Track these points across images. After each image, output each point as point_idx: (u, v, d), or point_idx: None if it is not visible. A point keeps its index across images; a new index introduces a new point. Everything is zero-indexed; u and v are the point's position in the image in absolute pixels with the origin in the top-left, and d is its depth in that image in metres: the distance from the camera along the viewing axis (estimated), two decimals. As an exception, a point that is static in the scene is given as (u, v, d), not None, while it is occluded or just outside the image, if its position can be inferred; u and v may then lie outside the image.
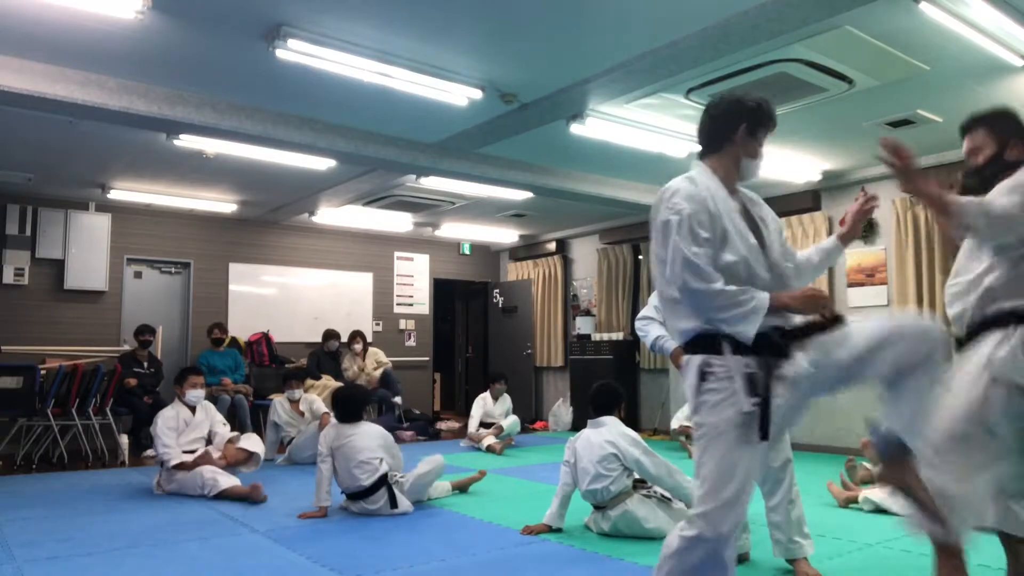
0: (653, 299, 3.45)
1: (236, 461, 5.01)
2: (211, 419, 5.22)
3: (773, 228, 2.13)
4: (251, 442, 5.25)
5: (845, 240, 2.42)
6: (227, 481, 4.75)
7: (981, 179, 2.28)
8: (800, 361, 1.92)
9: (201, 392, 5.25)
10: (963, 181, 2.35)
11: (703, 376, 1.92)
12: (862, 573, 3.13)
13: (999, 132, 2.29)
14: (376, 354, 8.63)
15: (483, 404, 7.61)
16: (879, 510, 4.23)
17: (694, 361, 1.96)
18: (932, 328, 1.92)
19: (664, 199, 1.99)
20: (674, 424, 7.02)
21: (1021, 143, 2.27)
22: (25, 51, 4.08)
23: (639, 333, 3.47)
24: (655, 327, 3.41)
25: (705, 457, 1.91)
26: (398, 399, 8.30)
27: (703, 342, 1.95)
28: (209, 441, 5.16)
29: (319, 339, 8.47)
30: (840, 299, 6.92)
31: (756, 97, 2.11)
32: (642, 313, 3.49)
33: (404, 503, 4.28)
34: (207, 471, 4.79)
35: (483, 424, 7.48)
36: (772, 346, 1.90)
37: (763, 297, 1.89)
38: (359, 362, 8.47)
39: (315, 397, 6.70)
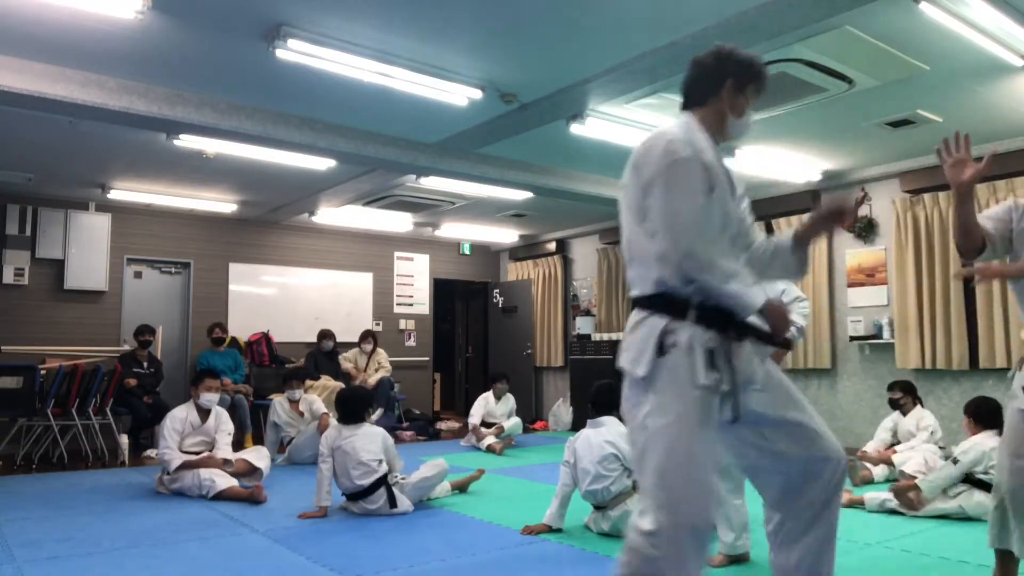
0: None
1: (240, 472, 4.99)
2: (218, 428, 5.13)
3: (740, 194, 2.02)
4: (258, 455, 5.21)
5: (802, 240, 2.03)
6: (225, 482, 4.75)
7: None
8: (755, 367, 1.86)
9: (215, 396, 5.19)
10: None
11: (662, 345, 1.78)
12: (862, 573, 3.13)
13: None
14: (380, 356, 8.62)
15: (485, 404, 7.61)
16: (880, 510, 4.23)
17: (653, 324, 1.81)
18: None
19: (660, 143, 1.83)
20: None
21: None
22: (25, 51, 4.08)
23: None
24: None
25: (660, 442, 1.75)
26: (376, 414, 7.29)
27: (666, 302, 1.81)
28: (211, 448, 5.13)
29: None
30: (840, 299, 6.92)
31: (748, 52, 2.01)
32: None
33: (404, 503, 4.28)
34: (204, 472, 4.78)
35: (484, 424, 7.48)
36: (738, 327, 1.81)
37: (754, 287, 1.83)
38: (359, 362, 8.47)
39: (315, 397, 6.70)
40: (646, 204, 1.83)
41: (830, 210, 1.98)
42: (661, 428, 1.75)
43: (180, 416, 5.05)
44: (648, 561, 1.71)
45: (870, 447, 5.36)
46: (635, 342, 1.84)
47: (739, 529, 3.18)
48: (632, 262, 1.92)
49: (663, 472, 1.74)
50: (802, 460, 1.91)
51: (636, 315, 1.88)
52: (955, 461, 4.04)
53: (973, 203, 2.32)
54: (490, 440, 7.14)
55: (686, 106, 2.02)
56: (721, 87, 1.96)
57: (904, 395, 5.27)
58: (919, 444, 4.98)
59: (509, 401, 7.75)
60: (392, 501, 4.21)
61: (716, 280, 1.77)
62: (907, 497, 4.11)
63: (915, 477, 4.28)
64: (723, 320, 1.81)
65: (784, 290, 3.13)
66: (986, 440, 4.01)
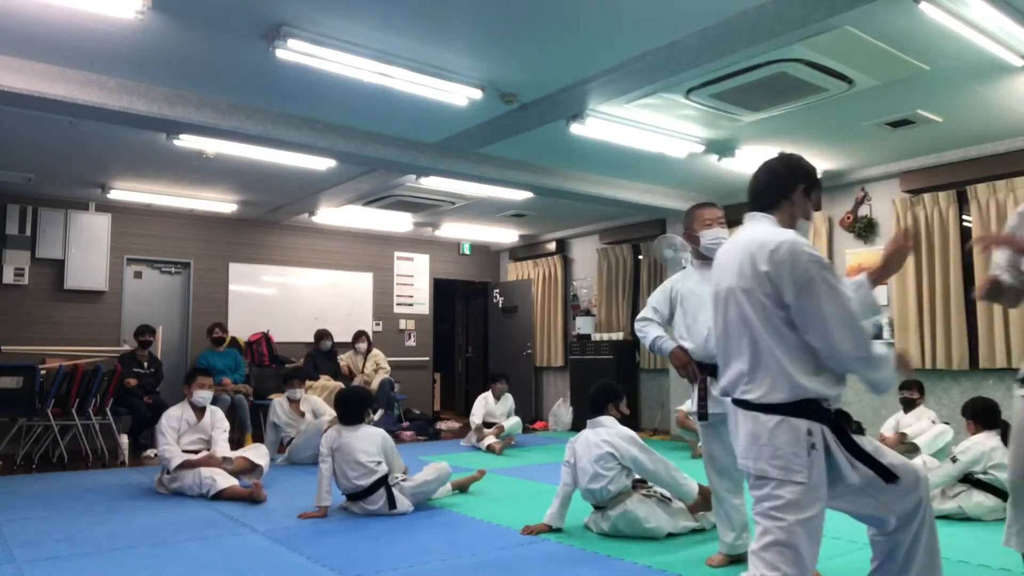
0: (652, 300, 3.47)
1: (240, 470, 5.00)
2: (214, 425, 5.17)
3: None
4: (257, 453, 5.22)
5: (876, 280, 2.25)
6: (225, 481, 4.75)
7: None
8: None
9: (209, 393, 5.24)
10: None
11: (811, 445, 1.94)
12: (862, 573, 3.12)
13: None
14: (377, 357, 8.62)
15: (485, 403, 7.61)
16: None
17: (797, 425, 1.95)
18: None
19: (799, 250, 1.96)
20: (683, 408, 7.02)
21: None
22: (25, 51, 4.08)
23: (638, 334, 3.48)
24: (653, 328, 3.41)
25: (802, 534, 1.91)
26: (377, 415, 7.53)
27: (809, 407, 1.96)
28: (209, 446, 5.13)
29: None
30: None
31: (809, 162, 2.19)
32: (641, 314, 3.50)
33: (403, 503, 4.28)
34: (205, 471, 4.79)
35: (484, 424, 7.48)
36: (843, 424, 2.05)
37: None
38: (355, 363, 8.47)
39: (316, 398, 6.71)
40: (800, 307, 1.94)
41: (895, 250, 2.20)
42: (804, 520, 1.91)
43: (176, 415, 5.08)
44: None
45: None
46: (782, 447, 1.94)
47: (739, 528, 3.19)
48: (762, 368, 2.00)
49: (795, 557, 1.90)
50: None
51: (771, 420, 1.96)
52: (954, 460, 4.04)
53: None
54: (490, 440, 7.15)
55: (760, 209, 2.17)
56: (793, 192, 2.13)
57: (920, 395, 5.45)
58: (930, 427, 5.15)
59: (508, 401, 7.76)
60: (392, 502, 4.21)
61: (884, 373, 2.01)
62: None
63: None
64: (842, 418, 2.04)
65: None
66: (986, 440, 4.02)
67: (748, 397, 2.01)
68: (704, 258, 3.28)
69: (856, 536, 3.68)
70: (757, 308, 1.99)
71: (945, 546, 3.47)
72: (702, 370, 3.17)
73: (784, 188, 2.13)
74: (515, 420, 7.59)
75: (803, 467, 1.90)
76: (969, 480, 4.00)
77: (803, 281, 1.93)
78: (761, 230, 2.07)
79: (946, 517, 4.03)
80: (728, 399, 2.10)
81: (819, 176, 2.19)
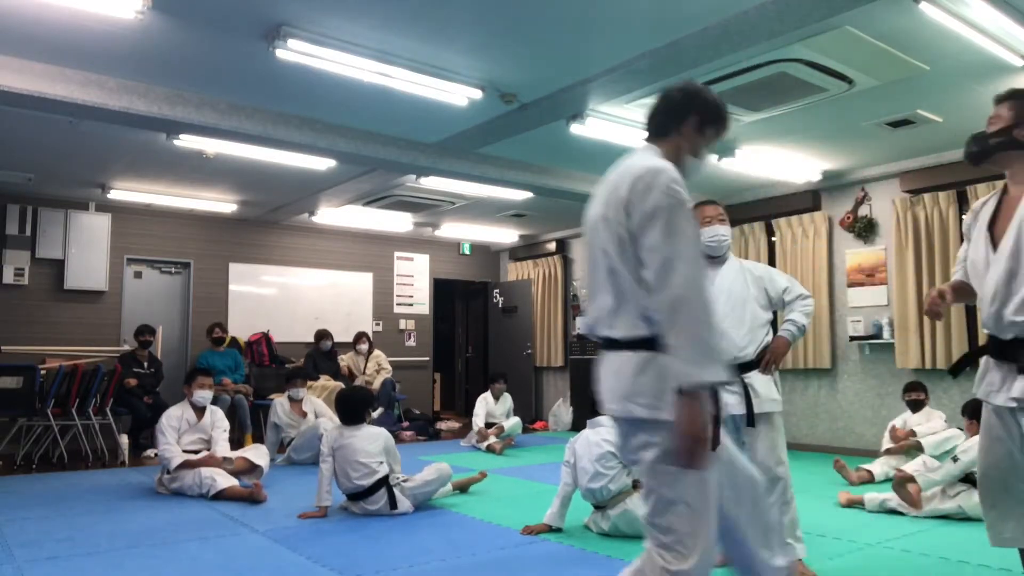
0: None
1: (240, 470, 5.00)
2: (214, 425, 5.17)
3: None
4: (257, 453, 5.22)
5: None
6: (225, 481, 4.75)
7: (981, 148, 2.24)
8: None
9: (209, 393, 5.26)
10: (966, 147, 2.29)
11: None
12: (862, 573, 3.13)
13: (1019, 109, 2.22)
14: (378, 358, 8.62)
15: (485, 404, 7.62)
16: (880, 510, 4.23)
17: (651, 360, 1.75)
18: None
19: (661, 180, 1.76)
20: None
21: None
22: (25, 51, 4.08)
23: None
24: None
25: (679, 489, 1.74)
26: (376, 412, 7.49)
27: (656, 344, 1.74)
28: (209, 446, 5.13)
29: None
30: (840, 299, 6.92)
31: (716, 95, 1.99)
32: None
33: (404, 503, 4.28)
34: (205, 471, 4.79)
35: (485, 424, 7.48)
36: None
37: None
38: (357, 364, 8.46)
39: (319, 401, 6.70)
40: (643, 241, 1.75)
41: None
42: (681, 471, 1.72)
43: (176, 414, 5.10)
44: None
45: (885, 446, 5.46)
46: (648, 385, 1.76)
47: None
48: (618, 303, 1.82)
49: (691, 514, 1.75)
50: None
51: (636, 356, 1.78)
52: (955, 459, 4.04)
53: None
54: (490, 440, 7.15)
55: (650, 137, 1.99)
56: (684, 123, 1.94)
57: (926, 396, 5.50)
58: (943, 431, 5.16)
59: (507, 401, 7.76)
60: (392, 502, 4.21)
61: (707, 317, 1.71)
62: (906, 491, 4.11)
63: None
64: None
65: (787, 287, 3.11)
66: (986, 440, 4.01)
67: (612, 334, 1.83)
68: (707, 256, 3.23)
69: (856, 536, 3.69)
70: (615, 239, 1.80)
71: (945, 546, 3.48)
72: None
73: (675, 117, 1.93)
74: (515, 420, 7.59)
75: (671, 404, 1.69)
76: (969, 480, 4.00)
77: (649, 211, 1.74)
78: (638, 159, 1.87)
79: (946, 517, 4.04)
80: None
81: (723, 114, 1.97)
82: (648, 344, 1.77)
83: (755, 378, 3.00)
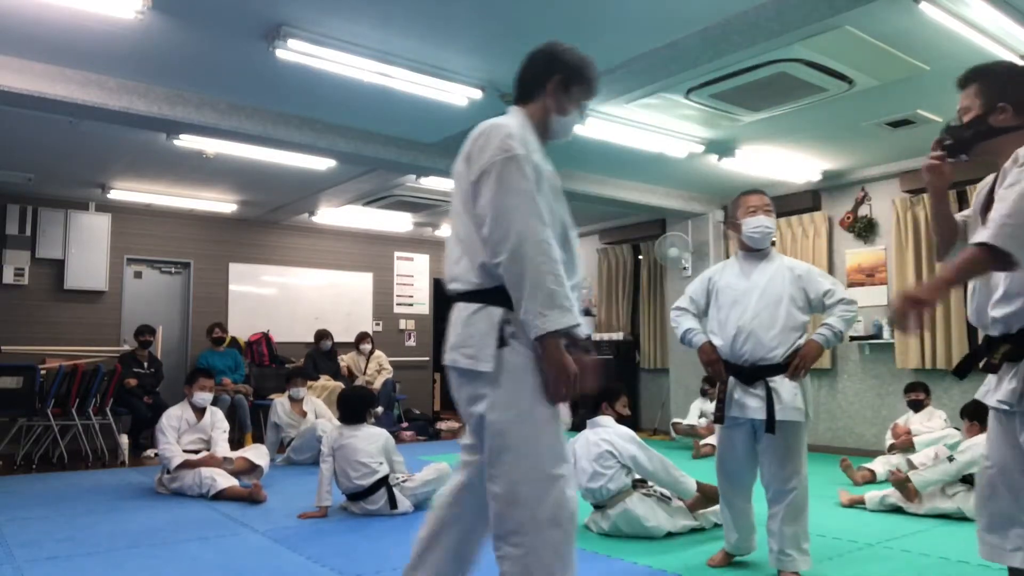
0: (689, 290, 3.27)
1: (240, 470, 5.00)
2: (214, 426, 5.18)
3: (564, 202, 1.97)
4: (257, 453, 5.22)
5: None
6: (226, 481, 4.75)
7: (958, 141, 2.13)
8: None
9: (209, 395, 5.27)
10: (941, 139, 2.19)
11: (502, 337, 1.75)
12: (862, 573, 3.13)
13: (989, 93, 2.07)
14: (380, 358, 8.61)
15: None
16: (883, 509, 4.23)
17: (491, 315, 1.78)
18: None
19: (497, 135, 1.79)
20: (688, 420, 7.04)
21: (1013, 108, 2.02)
22: (25, 51, 4.08)
23: (672, 323, 3.27)
24: (687, 319, 3.19)
25: (512, 436, 1.75)
26: (378, 410, 7.39)
27: (503, 294, 1.76)
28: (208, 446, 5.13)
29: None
30: (840, 299, 6.92)
31: (582, 56, 1.99)
32: (677, 303, 3.29)
33: (404, 504, 4.28)
34: (206, 471, 4.79)
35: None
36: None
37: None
38: (358, 364, 8.46)
39: (320, 402, 6.70)
40: (479, 200, 1.78)
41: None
42: (510, 422, 1.76)
43: (176, 415, 5.10)
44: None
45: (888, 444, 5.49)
46: (473, 335, 1.79)
47: (743, 530, 3.15)
48: (462, 254, 1.85)
49: (524, 467, 1.77)
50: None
51: (466, 308, 1.82)
52: (950, 459, 4.04)
53: (947, 201, 2.25)
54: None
55: (516, 100, 2.00)
56: (548, 82, 1.95)
57: (927, 396, 5.53)
58: (939, 430, 5.20)
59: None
60: (392, 502, 4.21)
61: (549, 266, 1.71)
62: (905, 487, 4.12)
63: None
64: None
65: (829, 290, 2.96)
66: (985, 441, 4.01)
67: (454, 286, 1.86)
68: (748, 249, 3.06)
69: (856, 536, 3.69)
70: (462, 193, 1.84)
71: (945, 546, 3.49)
72: (727, 370, 2.99)
73: (539, 79, 1.96)
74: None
75: (490, 357, 1.74)
76: (968, 480, 4.00)
77: (484, 167, 1.77)
78: (501, 120, 1.87)
79: (945, 517, 4.04)
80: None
81: (587, 71, 1.98)
82: (479, 296, 1.80)
83: (781, 383, 2.86)
